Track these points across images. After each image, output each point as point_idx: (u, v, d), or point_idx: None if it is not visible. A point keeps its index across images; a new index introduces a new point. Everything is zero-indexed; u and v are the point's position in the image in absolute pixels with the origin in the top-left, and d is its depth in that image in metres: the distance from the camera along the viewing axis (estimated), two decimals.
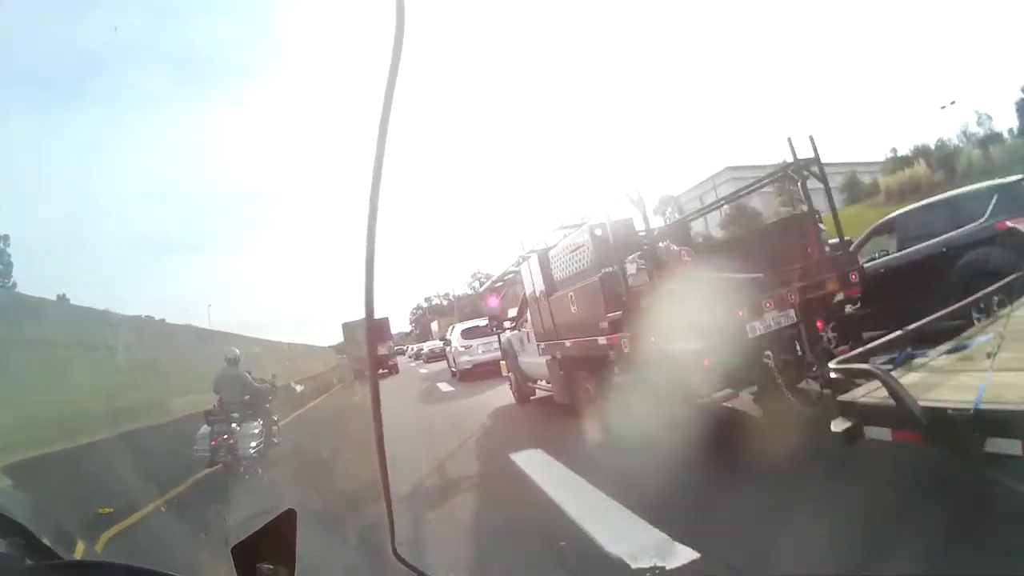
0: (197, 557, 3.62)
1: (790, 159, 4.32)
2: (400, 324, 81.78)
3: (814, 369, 3.90)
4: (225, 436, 6.13)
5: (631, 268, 4.08)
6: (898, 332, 2.88)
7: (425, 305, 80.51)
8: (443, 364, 22.15)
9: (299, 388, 13.18)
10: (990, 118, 26.45)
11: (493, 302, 9.03)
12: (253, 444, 6.38)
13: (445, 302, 75.05)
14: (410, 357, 39.74)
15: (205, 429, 6.22)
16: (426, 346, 34.53)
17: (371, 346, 1.18)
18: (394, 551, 0.93)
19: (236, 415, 6.37)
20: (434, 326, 61.87)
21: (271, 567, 0.82)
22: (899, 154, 28.77)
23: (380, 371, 20.56)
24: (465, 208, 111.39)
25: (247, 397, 6.82)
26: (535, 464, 4.58)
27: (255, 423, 6.66)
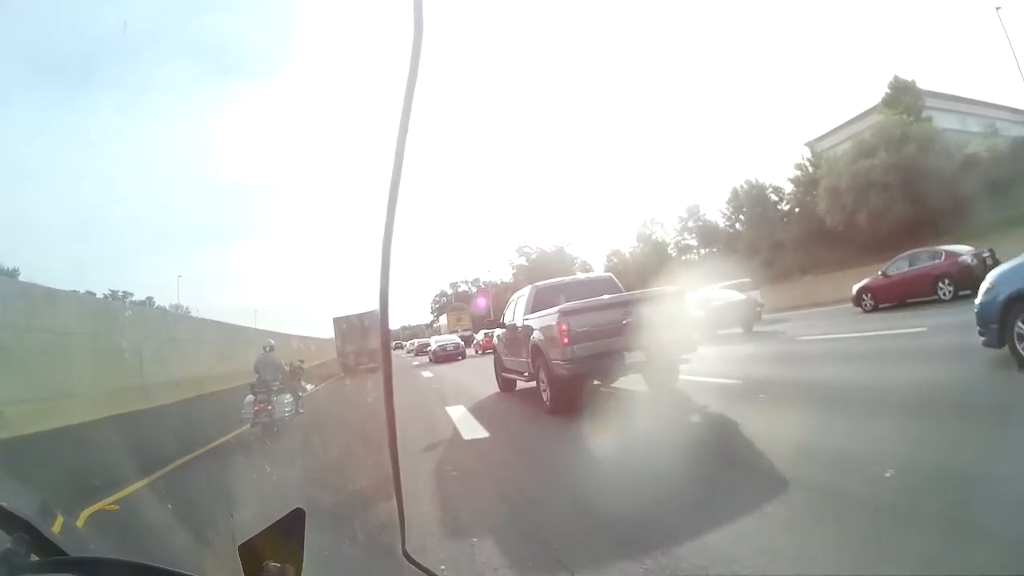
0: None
1: None
2: (421, 315, 76.26)
3: None
4: (264, 404, 8.11)
5: None
6: None
7: (450, 292, 72.60)
8: (454, 365, 20.44)
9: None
10: None
11: (481, 302, 11.20)
12: (286, 411, 8.40)
13: (474, 288, 67.34)
14: (408, 352, 35.77)
15: (250, 398, 8.22)
16: (433, 341, 30.13)
17: (384, 350, 1.10)
18: (404, 552, 0.96)
19: (275, 388, 8.35)
20: (443, 320, 56.47)
21: (278, 565, 0.83)
22: None
23: (368, 365, 20.79)
24: (497, 188, 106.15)
25: (280, 376, 8.80)
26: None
27: (287, 396, 8.67)
